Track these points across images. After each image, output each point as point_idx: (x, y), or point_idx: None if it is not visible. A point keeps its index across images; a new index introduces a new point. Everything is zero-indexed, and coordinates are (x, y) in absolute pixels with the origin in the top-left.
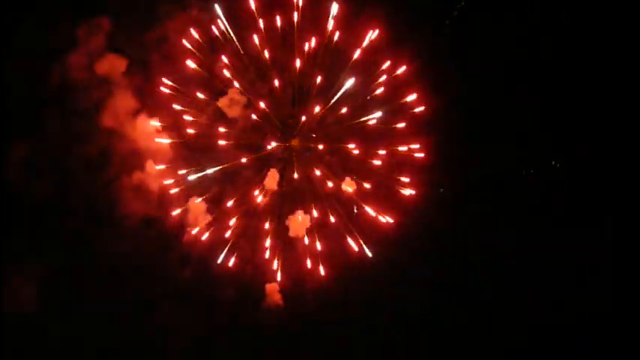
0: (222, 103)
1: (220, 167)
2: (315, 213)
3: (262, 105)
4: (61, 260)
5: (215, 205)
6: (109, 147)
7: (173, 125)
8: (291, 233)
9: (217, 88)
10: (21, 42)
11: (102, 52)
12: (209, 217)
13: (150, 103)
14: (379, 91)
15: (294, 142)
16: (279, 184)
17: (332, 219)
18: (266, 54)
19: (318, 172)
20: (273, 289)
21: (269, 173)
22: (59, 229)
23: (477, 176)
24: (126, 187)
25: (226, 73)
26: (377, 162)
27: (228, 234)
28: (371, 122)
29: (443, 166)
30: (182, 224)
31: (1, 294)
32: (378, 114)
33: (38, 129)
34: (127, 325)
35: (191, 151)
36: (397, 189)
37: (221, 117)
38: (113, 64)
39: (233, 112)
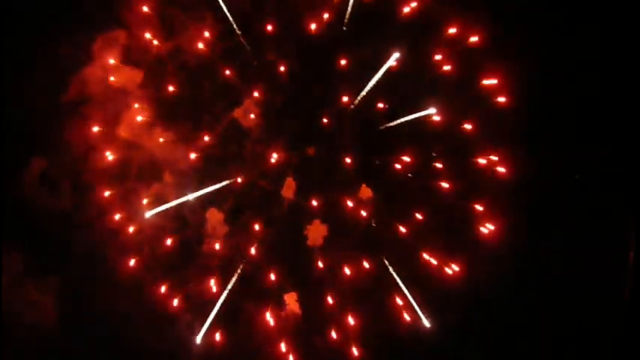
0: (238, 113)
1: (201, 193)
2: (347, 271)
3: (256, 94)
4: (76, 274)
5: (232, 219)
6: (125, 160)
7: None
8: (310, 242)
9: (231, 98)
10: (34, 56)
11: (117, 64)
12: (226, 228)
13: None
14: (445, 67)
15: (310, 151)
16: (296, 195)
17: (365, 264)
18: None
19: (350, 204)
20: None
21: (286, 183)
22: (73, 243)
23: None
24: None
25: (201, 45)
26: (445, 185)
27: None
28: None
29: (533, 186)
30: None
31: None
32: (432, 110)
33: (54, 143)
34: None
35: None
36: (467, 222)
37: (235, 128)
38: (128, 77)
39: (248, 122)
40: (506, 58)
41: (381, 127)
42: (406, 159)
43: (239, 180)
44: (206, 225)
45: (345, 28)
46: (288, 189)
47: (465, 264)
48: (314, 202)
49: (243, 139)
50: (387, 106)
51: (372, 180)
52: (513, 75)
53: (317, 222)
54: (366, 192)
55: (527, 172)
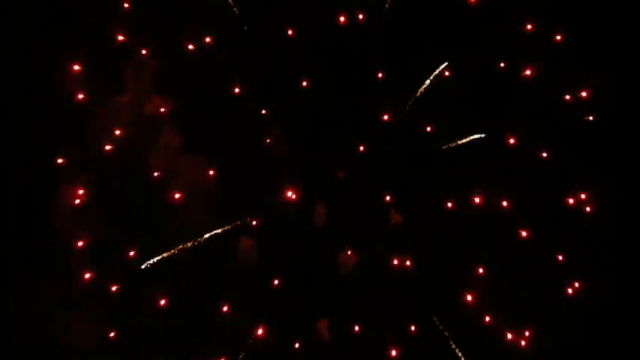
0: (265, 138)
1: (202, 238)
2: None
3: (265, 105)
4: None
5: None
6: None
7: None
8: (341, 272)
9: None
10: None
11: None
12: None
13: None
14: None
15: (341, 174)
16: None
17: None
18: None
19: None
20: None
21: (317, 209)
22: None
23: None
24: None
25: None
26: (524, 233)
27: None
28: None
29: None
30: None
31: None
32: (479, 135)
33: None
34: None
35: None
36: (545, 277)
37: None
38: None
39: (276, 149)
40: (597, 61)
41: (444, 147)
42: (476, 200)
43: (253, 222)
44: (238, 253)
45: (384, 14)
46: (319, 215)
47: (541, 334)
48: (345, 230)
49: (269, 165)
50: (434, 127)
51: (416, 225)
52: (607, 84)
53: (348, 251)
54: (396, 217)
55: (626, 214)
